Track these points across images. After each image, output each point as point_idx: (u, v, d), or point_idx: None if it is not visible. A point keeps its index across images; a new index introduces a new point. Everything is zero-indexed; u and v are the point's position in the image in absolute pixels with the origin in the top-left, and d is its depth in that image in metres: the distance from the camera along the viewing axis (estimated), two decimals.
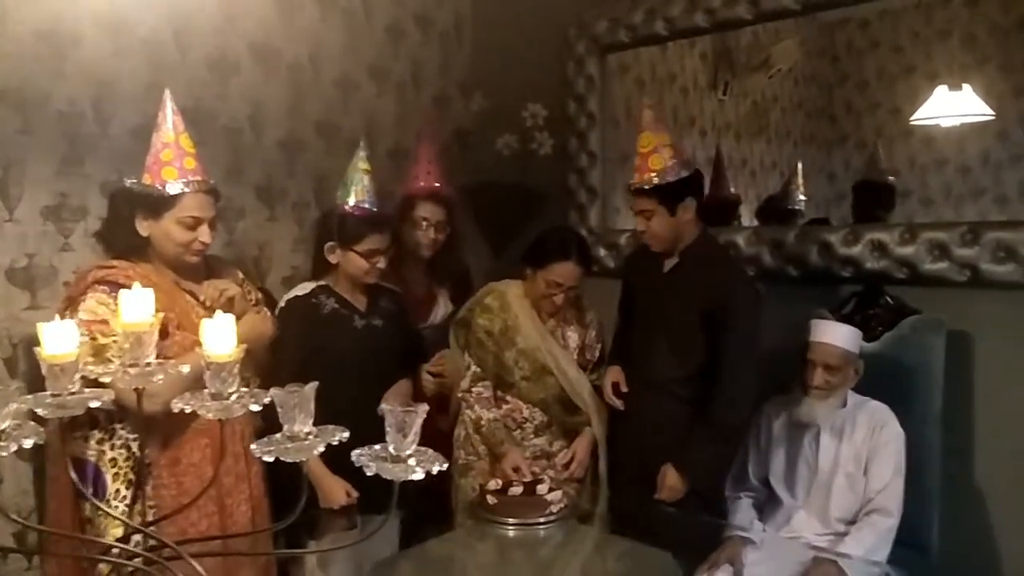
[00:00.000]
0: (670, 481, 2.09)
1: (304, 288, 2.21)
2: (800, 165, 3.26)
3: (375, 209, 2.20)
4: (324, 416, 1.20)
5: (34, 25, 2.16)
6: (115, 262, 1.81)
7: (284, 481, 1.32)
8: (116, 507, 1.75)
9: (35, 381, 1.35)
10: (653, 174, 2.10)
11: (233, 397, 1.13)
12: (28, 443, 1.06)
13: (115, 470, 1.77)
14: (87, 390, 1.16)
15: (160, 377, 1.12)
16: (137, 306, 1.11)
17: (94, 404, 1.13)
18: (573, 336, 2.31)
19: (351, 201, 2.19)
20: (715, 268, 2.15)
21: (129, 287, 1.70)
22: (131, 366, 1.12)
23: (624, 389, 2.24)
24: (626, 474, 2.26)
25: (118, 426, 1.78)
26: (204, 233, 1.84)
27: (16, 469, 2.08)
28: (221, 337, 1.10)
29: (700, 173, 2.19)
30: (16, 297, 2.18)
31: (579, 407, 2.29)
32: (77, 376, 1.13)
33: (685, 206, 2.10)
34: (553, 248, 2.21)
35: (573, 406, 2.29)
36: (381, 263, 2.19)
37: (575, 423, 2.29)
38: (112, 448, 1.78)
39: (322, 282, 2.22)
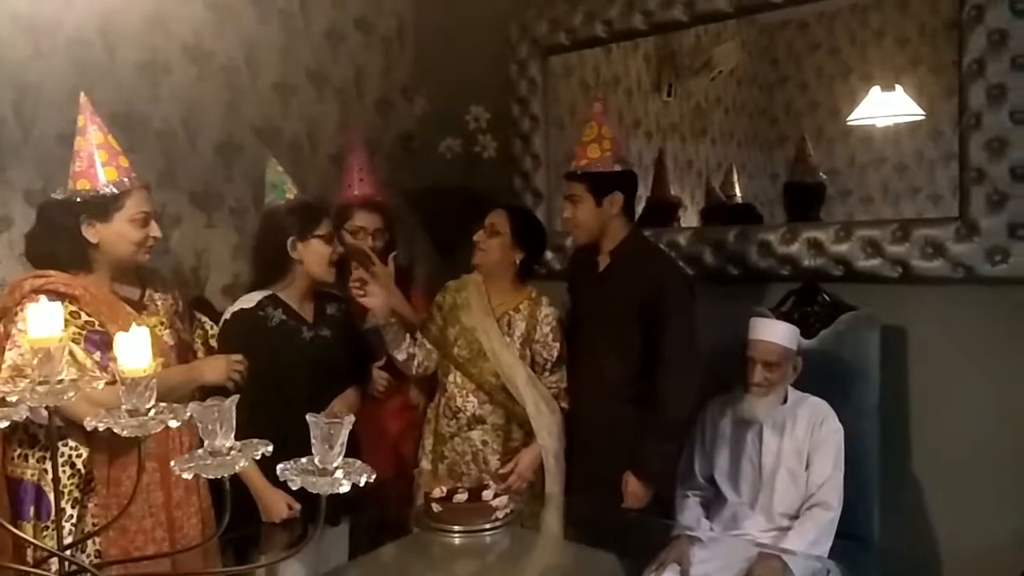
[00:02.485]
0: (632, 488, 2.10)
1: (250, 300, 2.11)
2: (734, 165, 3.31)
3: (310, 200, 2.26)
4: (274, 430, 1.20)
5: None
6: (50, 272, 1.74)
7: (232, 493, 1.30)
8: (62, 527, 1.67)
9: None
10: (585, 161, 2.17)
11: (151, 413, 1.09)
12: None
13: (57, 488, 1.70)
14: None
15: (72, 395, 1.07)
16: (45, 321, 1.06)
17: (2, 424, 1.08)
18: (520, 325, 2.27)
19: (290, 196, 2.23)
20: (648, 264, 2.18)
21: (69, 296, 1.68)
22: (41, 383, 1.07)
23: None
24: (575, 477, 2.26)
25: (61, 443, 1.71)
26: (155, 228, 1.83)
27: None
28: (135, 351, 1.06)
29: (634, 173, 2.24)
30: None
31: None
32: None
33: (612, 199, 2.15)
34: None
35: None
36: (339, 249, 2.18)
37: (520, 414, 2.25)
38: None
39: (268, 292, 2.13)
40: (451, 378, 2.29)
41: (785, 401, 2.10)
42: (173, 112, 2.57)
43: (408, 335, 2.29)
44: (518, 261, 2.27)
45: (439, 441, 2.31)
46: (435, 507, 1.94)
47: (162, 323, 1.86)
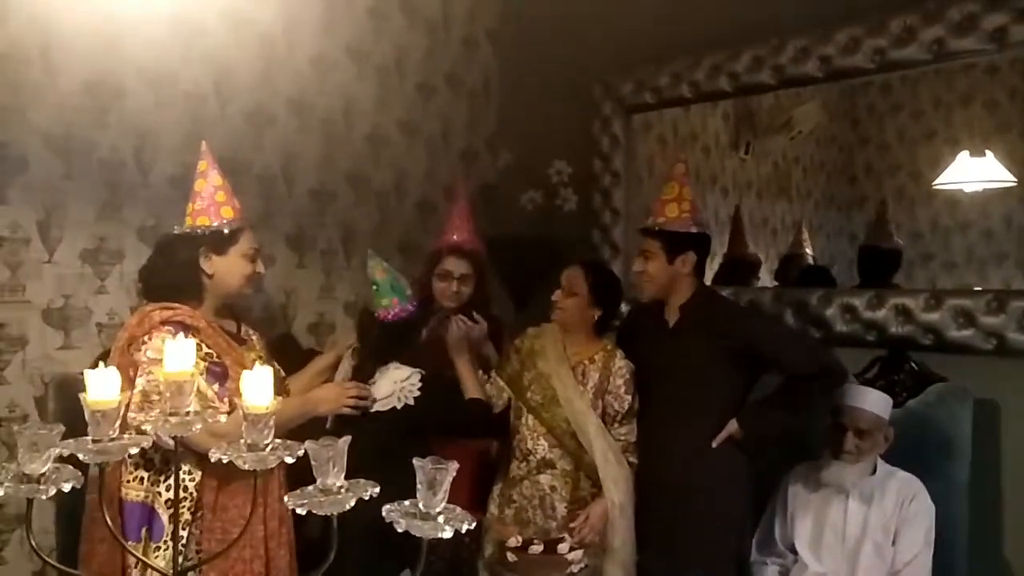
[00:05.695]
0: (730, 427, 2.14)
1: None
2: (803, 224, 3.29)
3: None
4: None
5: (81, 77, 2.26)
6: (174, 304, 1.83)
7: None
8: (171, 548, 1.71)
9: (65, 420, 1.36)
10: (663, 219, 2.22)
11: (268, 448, 1.15)
12: (67, 487, 1.08)
13: (171, 511, 1.71)
14: (126, 436, 1.18)
15: (199, 427, 1.13)
16: (178, 355, 1.13)
17: (133, 450, 1.15)
18: (594, 375, 2.28)
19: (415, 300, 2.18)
20: (721, 308, 2.25)
21: (192, 328, 1.77)
22: (171, 415, 1.14)
23: None
24: (645, 533, 2.23)
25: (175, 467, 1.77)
26: (260, 265, 1.95)
27: (40, 508, 2.04)
28: (260, 389, 1.12)
29: (709, 236, 2.32)
30: (50, 336, 2.23)
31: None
32: (118, 422, 1.15)
33: (684, 258, 2.20)
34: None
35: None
36: None
37: (589, 463, 2.24)
38: (168, 489, 1.76)
39: None
40: (523, 420, 2.31)
41: (874, 472, 2.04)
42: (274, 159, 2.72)
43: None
44: (596, 317, 2.30)
45: (508, 485, 2.31)
46: (510, 556, 1.94)
47: (260, 357, 1.93)
